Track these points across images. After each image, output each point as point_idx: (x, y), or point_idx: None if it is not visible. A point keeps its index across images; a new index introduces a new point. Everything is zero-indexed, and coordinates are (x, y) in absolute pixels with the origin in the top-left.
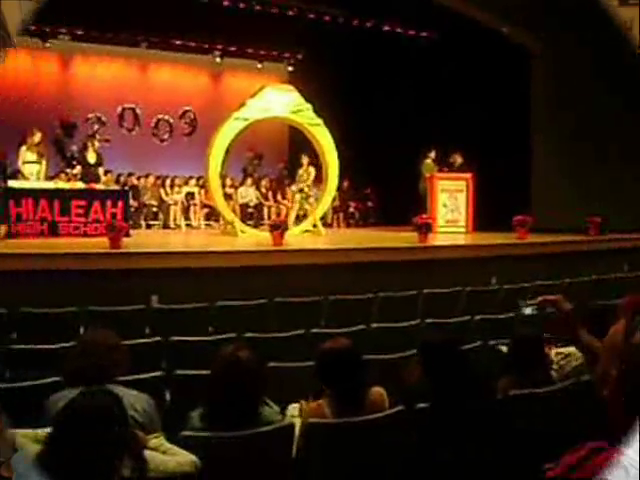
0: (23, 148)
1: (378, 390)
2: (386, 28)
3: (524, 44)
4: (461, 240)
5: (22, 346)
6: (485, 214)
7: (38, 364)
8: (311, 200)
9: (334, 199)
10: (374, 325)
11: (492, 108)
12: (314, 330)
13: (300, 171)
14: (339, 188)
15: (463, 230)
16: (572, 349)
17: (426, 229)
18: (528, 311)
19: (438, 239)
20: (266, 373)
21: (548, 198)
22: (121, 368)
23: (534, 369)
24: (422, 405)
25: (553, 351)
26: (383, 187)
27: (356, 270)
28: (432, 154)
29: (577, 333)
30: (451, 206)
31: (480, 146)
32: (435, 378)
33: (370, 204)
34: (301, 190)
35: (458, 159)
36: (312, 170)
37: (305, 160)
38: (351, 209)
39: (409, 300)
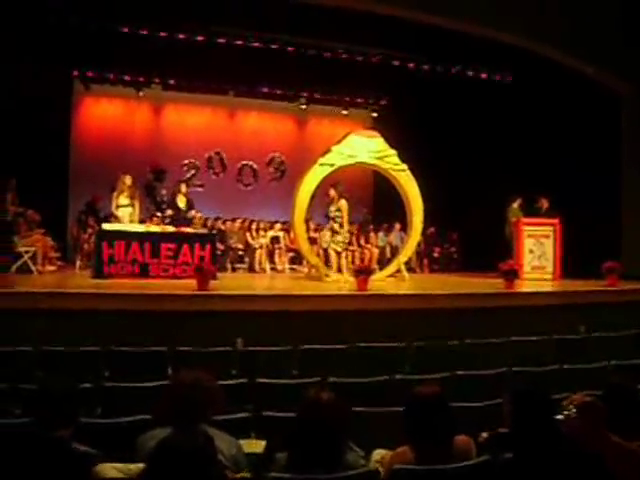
0: (115, 193)
1: (464, 438)
2: (470, 74)
3: (611, 86)
4: (548, 287)
5: (113, 383)
6: (573, 260)
7: (128, 402)
8: (339, 238)
9: (419, 244)
10: (459, 372)
11: (580, 152)
12: (398, 376)
13: (332, 208)
14: (423, 233)
15: (550, 277)
16: None
17: (512, 275)
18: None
19: (524, 286)
20: (350, 417)
21: (639, 243)
22: (215, 408)
23: (628, 419)
24: (509, 455)
25: None
26: (468, 232)
27: (441, 316)
28: (518, 199)
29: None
30: (538, 252)
31: (567, 191)
32: (523, 427)
33: (454, 249)
34: (333, 232)
35: (545, 204)
36: (344, 203)
37: (332, 192)
38: (435, 254)
39: (495, 348)
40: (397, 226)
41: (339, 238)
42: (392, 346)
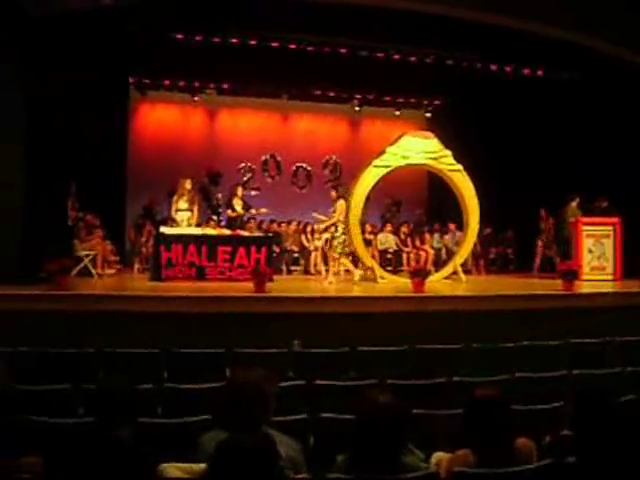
0: (175, 197)
1: (525, 441)
2: (525, 72)
3: None
4: (609, 288)
5: (172, 384)
6: (634, 260)
7: (187, 402)
8: (335, 243)
9: (475, 245)
10: (518, 375)
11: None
12: (456, 378)
13: (331, 210)
14: (480, 234)
15: (610, 277)
16: None
17: (572, 276)
18: None
19: (584, 287)
20: (409, 418)
21: None
22: (271, 409)
23: None
24: (572, 459)
25: None
26: (525, 233)
27: (498, 318)
28: (577, 198)
29: None
30: (597, 252)
31: (628, 188)
32: (587, 430)
33: (511, 250)
34: (332, 236)
35: (604, 203)
36: (341, 203)
37: (333, 194)
38: (492, 255)
39: (555, 350)
40: (452, 227)
41: (335, 243)
42: (450, 348)
